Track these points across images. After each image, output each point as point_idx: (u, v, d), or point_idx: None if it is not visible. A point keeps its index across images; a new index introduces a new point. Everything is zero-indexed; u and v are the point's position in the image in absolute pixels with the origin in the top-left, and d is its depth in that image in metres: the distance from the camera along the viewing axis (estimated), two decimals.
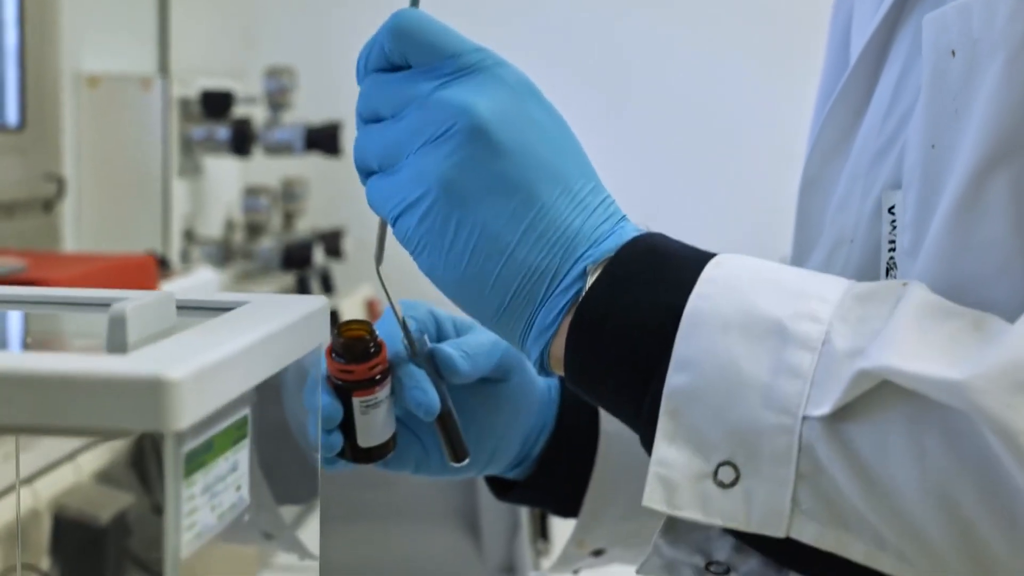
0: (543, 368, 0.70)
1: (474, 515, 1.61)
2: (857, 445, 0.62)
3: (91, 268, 1.59)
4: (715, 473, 0.64)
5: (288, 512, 0.81)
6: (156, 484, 1.78)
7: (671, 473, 0.64)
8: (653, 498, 0.65)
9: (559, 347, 0.69)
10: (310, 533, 0.80)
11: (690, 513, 0.65)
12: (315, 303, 0.70)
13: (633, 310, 0.67)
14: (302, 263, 2.29)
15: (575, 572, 0.99)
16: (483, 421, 0.87)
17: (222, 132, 2.23)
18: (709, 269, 0.67)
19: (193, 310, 0.67)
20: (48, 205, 2.04)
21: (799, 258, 0.86)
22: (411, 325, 0.83)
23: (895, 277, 0.74)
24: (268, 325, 0.62)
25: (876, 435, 0.62)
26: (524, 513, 1.61)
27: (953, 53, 0.69)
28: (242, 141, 2.22)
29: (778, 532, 0.63)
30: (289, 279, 2.33)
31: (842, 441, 0.62)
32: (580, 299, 0.68)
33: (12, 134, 2.01)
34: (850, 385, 0.62)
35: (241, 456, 0.59)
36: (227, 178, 2.41)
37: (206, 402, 0.53)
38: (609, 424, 0.92)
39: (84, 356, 0.53)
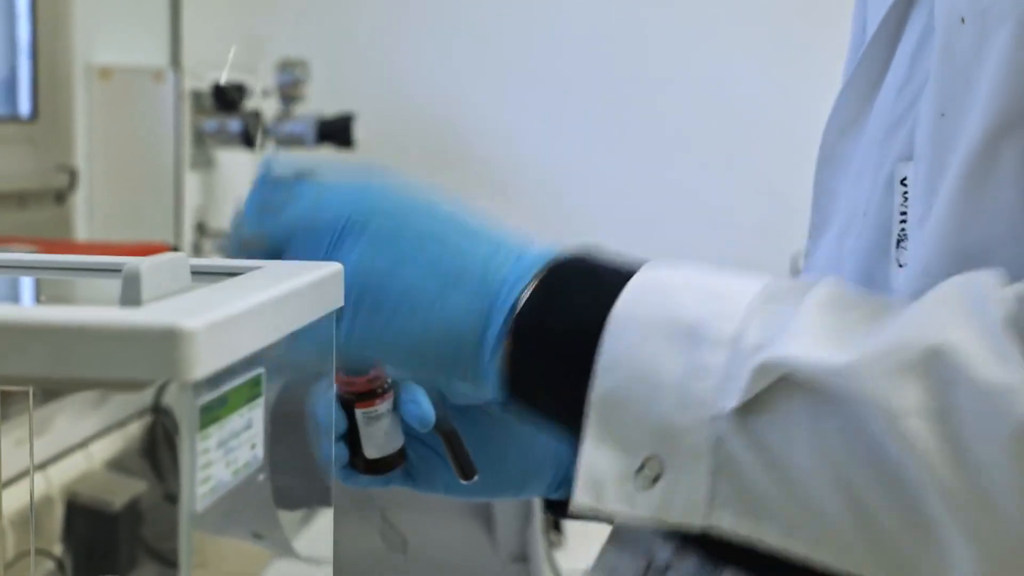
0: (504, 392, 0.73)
1: (487, 504, 1.60)
2: (766, 437, 0.65)
3: (102, 254, 1.59)
4: (639, 471, 0.67)
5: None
6: (168, 472, 1.78)
7: (598, 473, 0.68)
8: (583, 497, 0.68)
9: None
10: (323, 528, 0.81)
11: (615, 508, 0.67)
12: (329, 268, 0.70)
13: (566, 316, 0.70)
14: None
15: None
16: (502, 443, 0.88)
17: (234, 125, 2.23)
18: (638, 275, 0.70)
19: (206, 275, 0.67)
20: (60, 196, 2.05)
21: (816, 233, 0.86)
22: None
23: (905, 249, 0.75)
24: (283, 286, 0.62)
25: (782, 426, 0.65)
26: (537, 503, 1.61)
27: (963, 21, 0.70)
28: (254, 134, 2.22)
29: (697, 523, 0.66)
30: None
31: (752, 434, 0.65)
32: (517, 310, 0.71)
33: (25, 125, 2.01)
34: (752, 379, 0.65)
35: (256, 415, 0.59)
36: (239, 171, 2.41)
37: (221, 354, 0.52)
38: None
39: (98, 308, 0.53)
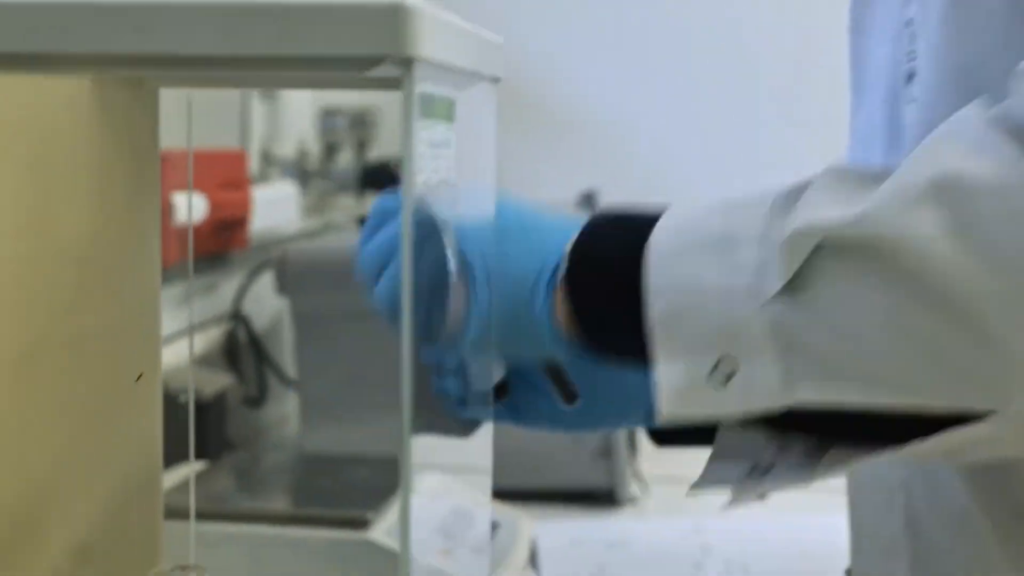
0: (559, 339, 0.79)
1: None
2: (817, 307, 0.69)
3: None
4: (712, 374, 0.71)
5: None
6: (249, 376, 1.79)
7: (675, 384, 0.72)
8: (669, 409, 0.73)
9: (563, 317, 0.78)
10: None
11: (702, 413, 0.73)
12: (496, 39, 0.70)
13: (605, 259, 0.76)
14: (384, 182, 2.29)
15: (761, 496, 1.03)
16: (600, 375, 0.90)
17: None
18: (669, 210, 0.76)
19: None
20: None
21: (856, 102, 0.92)
22: None
23: (914, 84, 0.80)
24: (466, 26, 0.62)
25: (827, 292, 0.69)
26: None
27: None
28: None
29: (783, 403, 0.70)
30: (369, 201, 2.33)
31: (804, 308, 0.69)
32: (565, 260, 0.77)
33: None
34: (787, 258, 0.69)
35: (451, 138, 0.59)
36: (302, 100, 2.42)
37: (436, 43, 0.53)
38: None
39: None
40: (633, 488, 1.64)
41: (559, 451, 1.61)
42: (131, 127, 0.73)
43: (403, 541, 0.57)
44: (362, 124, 2.48)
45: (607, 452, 1.62)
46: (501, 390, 0.90)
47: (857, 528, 0.91)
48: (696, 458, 1.74)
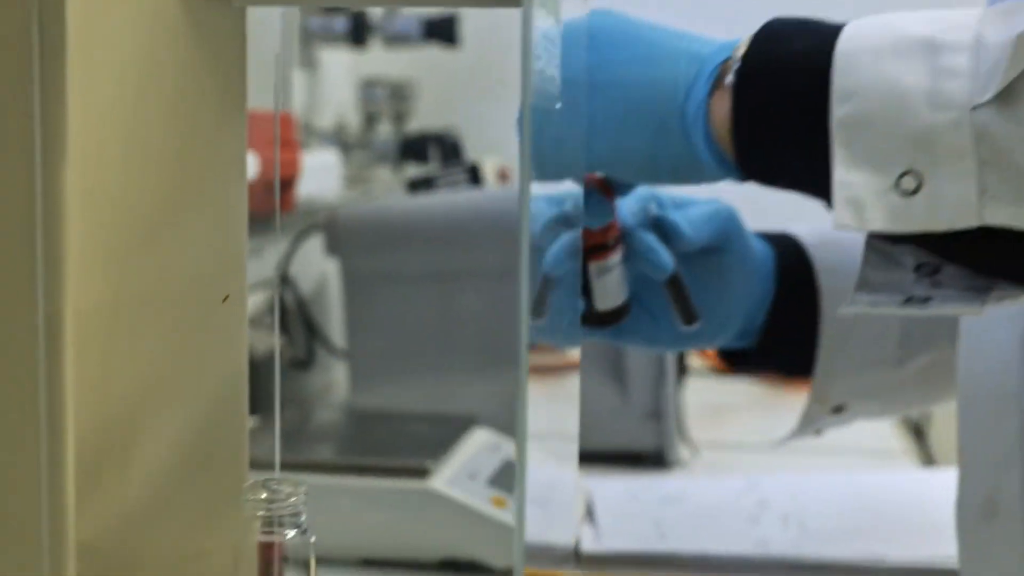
0: (711, 150, 0.73)
1: (620, 361, 1.60)
2: None
3: None
4: (897, 184, 0.65)
5: None
6: (296, 338, 1.79)
7: (855, 192, 0.66)
8: (843, 217, 0.67)
9: (721, 125, 0.72)
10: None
11: (881, 225, 0.66)
12: None
13: (788, 58, 0.70)
14: (425, 154, 2.28)
15: (817, 432, 1.01)
16: (708, 289, 0.90)
17: (340, 23, 2.23)
18: (854, 21, 0.70)
19: None
20: None
21: None
22: (633, 204, 0.87)
23: None
24: None
25: None
26: (670, 361, 1.60)
27: None
28: (360, 31, 2.22)
29: (970, 222, 0.64)
30: (411, 169, 2.32)
31: (1017, 118, 0.63)
32: (738, 61, 0.71)
33: None
34: (1011, 60, 0.63)
35: (559, 35, 0.59)
36: (340, 72, 2.42)
37: None
38: (829, 280, 0.93)
39: None
40: (682, 451, 1.63)
41: (607, 412, 1.61)
42: (218, 48, 0.73)
43: (518, 510, 0.55)
44: (401, 96, 2.47)
45: (656, 414, 1.61)
46: (621, 312, 0.88)
47: (968, 441, 0.88)
48: (744, 426, 1.75)
